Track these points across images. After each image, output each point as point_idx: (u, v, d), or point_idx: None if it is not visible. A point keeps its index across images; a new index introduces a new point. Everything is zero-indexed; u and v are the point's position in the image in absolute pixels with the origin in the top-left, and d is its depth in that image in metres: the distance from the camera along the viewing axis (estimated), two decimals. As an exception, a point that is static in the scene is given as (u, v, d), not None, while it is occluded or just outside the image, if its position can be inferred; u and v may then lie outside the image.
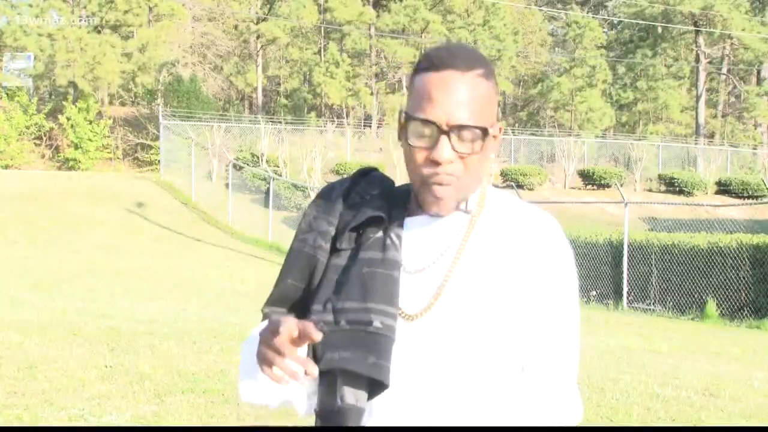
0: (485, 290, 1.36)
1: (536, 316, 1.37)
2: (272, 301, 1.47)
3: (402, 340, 1.36)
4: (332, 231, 1.44)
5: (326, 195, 1.49)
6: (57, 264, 14.39)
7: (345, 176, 1.53)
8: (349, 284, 1.38)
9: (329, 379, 1.37)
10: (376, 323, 1.34)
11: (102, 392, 5.56)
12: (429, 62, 1.37)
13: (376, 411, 1.36)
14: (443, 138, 1.33)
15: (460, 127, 1.33)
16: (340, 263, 1.42)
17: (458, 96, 1.34)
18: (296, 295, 1.45)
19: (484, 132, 1.35)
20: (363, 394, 1.35)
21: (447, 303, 1.36)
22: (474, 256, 1.38)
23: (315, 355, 1.38)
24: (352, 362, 1.33)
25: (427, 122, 1.34)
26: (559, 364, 1.38)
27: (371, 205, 1.44)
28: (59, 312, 8.92)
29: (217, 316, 9.55)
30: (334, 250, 1.44)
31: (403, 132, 1.39)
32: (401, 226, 1.43)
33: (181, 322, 8.77)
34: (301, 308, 1.44)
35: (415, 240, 1.42)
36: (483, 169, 1.40)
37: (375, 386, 1.34)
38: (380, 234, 1.42)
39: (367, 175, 1.53)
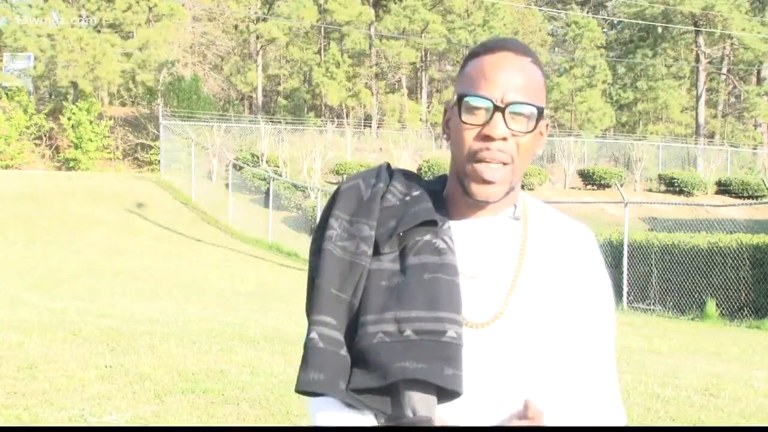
0: (547, 299, 1.36)
1: (585, 325, 1.38)
2: (320, 309, 1.36)
3: (470, 348, 1.32)
4: (374, 235, 1.38)
5: (356, 196, 1.42)
6: (57, 264, 14.39)
7: (368, 171, 1.46)
8: (409, 291, 1.32)
9: (392, 390, 1.31)
10: (450, 333, 1.29)
11: (102, 392, 5.56)
12: (483, 47, 1.39)
13: (443, 420, 1.32)
14: (497, 114, 1.32)
15: (516, 104, 1.32)
16: (384, 268, 1.36)
17: (514, 75, 1.34)
18: (342, 305, 1.37)
19: (539, 111, 1.34)
20: (433, 402, 1.30)
21: (516, 312, 1.34)
22: (533, 265, 1.37)
23: (371, 362, 1.31)
24: (429, 373, 1.27)
25: (482, 98, 1.33)
26: (604, 371, 1.39)
27: (418, 207, 1.38)
28: (59, 312, 8.91)
29: (217, 316, 9.55)
30: (376, 254, 1.37)
31: (453, 113, 1.37)
32: (450, 228, 1.39)
33: (181, 322, 8.77)
34: (348, 318, 1.37)
35: (466, 244, 1.38)
36: (531, 157, 1.38)
37: (445, 395, 1.29)
38: (429, 237, 1.37)
39: (392, 172, 1.47)
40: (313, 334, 1.35)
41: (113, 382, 5.84)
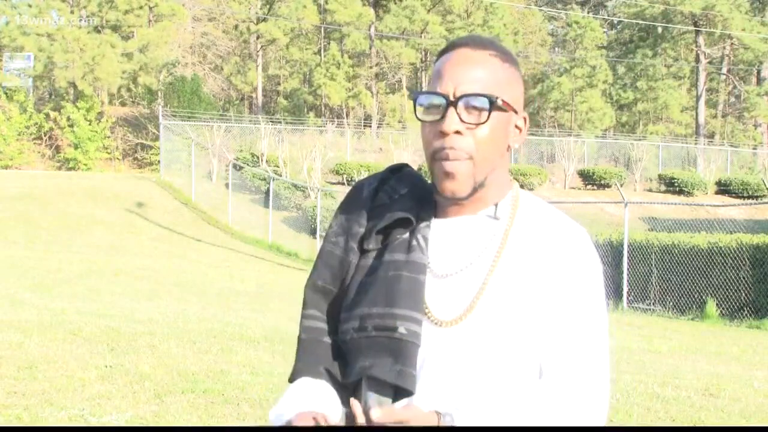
0: (519, 301, 1.34)
1: (558, 324, 1.34)
2: (307, 303, 1.45)
3: (434, 346, 1.33)
4: (362, 232, 1.42)
5: (356, 195, 1.47)
6: (57, 264, 14.38)
7: (376, 173, 1.51)
8: (374, 288, 1.36)
9: (357, 386, 1.36)
10: (401, 329, 1.31)
11: (102, 392, 5.56)
12: (444, 48, 1.41)
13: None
14: (450, 109, 1.32)
15: (466, 97, 1.32)
16: (366, 264, 1.40)
17: (467, 69, 1.34)
18: (328, 297, 1.43)
19: (491, 101, 1.33)
20: (387, 400, 1.33)
21: (484, 312, 1.33)
22: (508, 267, 1.36)
23: (345, 360, 1.37)
24: (378, 369, 1.31)
25: (434, 95, 1.34)
26: (578, 369, 1.33)
27: (399, 205, 1.41)
28: (59, 312, 8.91)
29: (217, 316, 9.55)
30: (362, 251, 1.42)
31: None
32: (429, 227, 1.40)
33: (181, 322, 8.77)
34: (335, 311, 1.42)
35: (442, 243, 1.39)
36: (498, 150, 1.37)
37: (400, 393, 1.32)
38: (406, 235, 1.39)
39: (398, 172, 1.50)
40: (300, 329, 1.45)
41: (113, 382, 5.84)
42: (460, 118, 1.32)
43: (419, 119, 1.36)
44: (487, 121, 1.33)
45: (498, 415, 1.28)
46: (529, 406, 1.31)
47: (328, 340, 1.41)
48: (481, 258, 1.37)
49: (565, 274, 1.36)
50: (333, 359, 1.40)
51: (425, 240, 1.38)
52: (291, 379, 1.44)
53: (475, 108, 1.33)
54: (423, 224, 1.40)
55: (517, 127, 1.41)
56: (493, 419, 1.28)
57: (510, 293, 1.34)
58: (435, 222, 1.41)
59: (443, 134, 1.33)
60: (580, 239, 1.39)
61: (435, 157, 1.34)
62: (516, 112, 1.39)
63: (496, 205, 1.40)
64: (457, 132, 1.32)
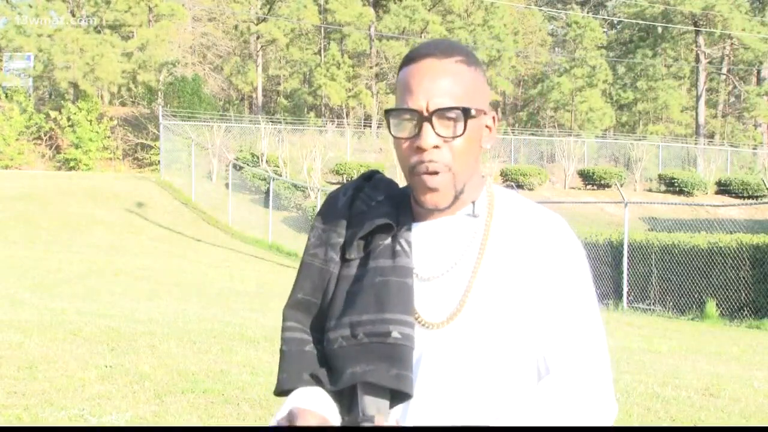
0: (507, 297, 1.34)
1: (555, 319, 1.34)
2: (288, 316, 1.46)
3: (426, 349, 1.33)
4: (342, 242, 1.42)
5: (332, 205, 1.47)
6: (57, 264, 14.38)
7: (349, 181, 1.51)
8: (362, 295, 1.36)
9: (350, 393, 1.36)
10: (395, 334, 1.32)
11: (102, 392, 5.56)
12: (407, 58, 1.37)
13: (397, 422, 1.33)
14: (425, 125, 1.31)
15: (441, 111, 1.31)
16: (350, 273, 1.40)
17: (437, 81, 1.32)
18: (312, 310, 1.43)
19: (465, 112, 1.32)
20: (385, 404, 1.33)
21: (473, 312, 1.33)
22: (493, 264, 1.36)
23: (333, 367, 1.37)
24: (375, 375, 1.31)
25: (407, 111, 1.32)
26: (583, 362, 1.33)
27: (378, 211, 1.41)
28: (59, 312, 8.91)
29: (217, 316, 9.55)
30: (344, 261, 1.41)
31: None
32: (410, 231, 1.40)
33: (181, 322, 8.77)
34: (318, 322, 1.43)
35: (424, 246, 1.39)
36: (473, 155, 1.37)
37: (397, 397, 1.32)
38: (389, 241, 1.39)
39: (371, 179, 1.50)
40: (281, 342, 1.44)
41: (113, 382, 5.83)
42: (436, 132, 1.32)
43: (394, 136, 1.35)
44: (464, 133, 1.33)
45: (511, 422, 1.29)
46: (540, 405, 1.30)
47: (311, 349, 1.41)
48: (464, 257, 1.37)
49: (551, 263, 1.36)
50: (319, 367, 1.40)
51: (408, 244, 1.39)
52: (277, 392, 1.42)
53: (451, 120, 1.32)
54: (404, 229, 1.40)
55: (487, 126, 1.40)
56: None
57: (497, 289, 1.34)
58: (415, 225, 1.41)
59: (420, 150, 1.32)
60: (559, 228, 1.39)
61: (414, 171, 1.34)
62: (485, 113, 1.39)
63: (473, 203, 1.40)
64: (435, 146, 1.32)
